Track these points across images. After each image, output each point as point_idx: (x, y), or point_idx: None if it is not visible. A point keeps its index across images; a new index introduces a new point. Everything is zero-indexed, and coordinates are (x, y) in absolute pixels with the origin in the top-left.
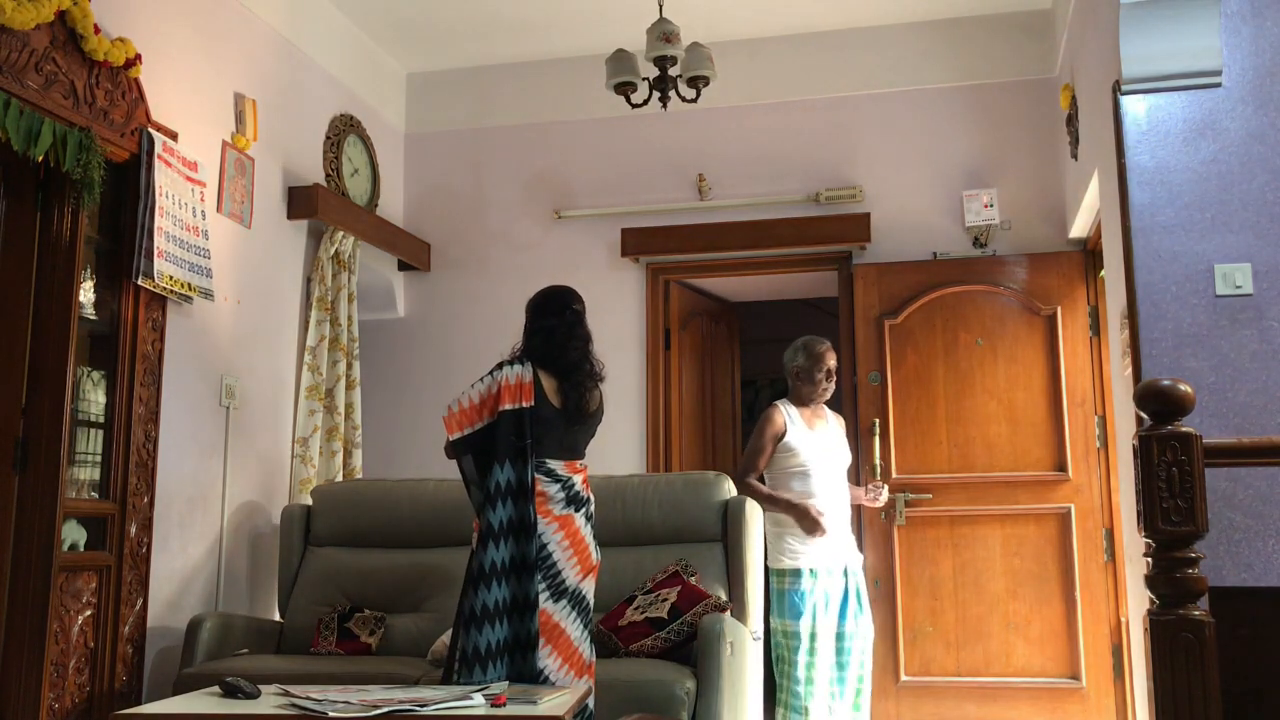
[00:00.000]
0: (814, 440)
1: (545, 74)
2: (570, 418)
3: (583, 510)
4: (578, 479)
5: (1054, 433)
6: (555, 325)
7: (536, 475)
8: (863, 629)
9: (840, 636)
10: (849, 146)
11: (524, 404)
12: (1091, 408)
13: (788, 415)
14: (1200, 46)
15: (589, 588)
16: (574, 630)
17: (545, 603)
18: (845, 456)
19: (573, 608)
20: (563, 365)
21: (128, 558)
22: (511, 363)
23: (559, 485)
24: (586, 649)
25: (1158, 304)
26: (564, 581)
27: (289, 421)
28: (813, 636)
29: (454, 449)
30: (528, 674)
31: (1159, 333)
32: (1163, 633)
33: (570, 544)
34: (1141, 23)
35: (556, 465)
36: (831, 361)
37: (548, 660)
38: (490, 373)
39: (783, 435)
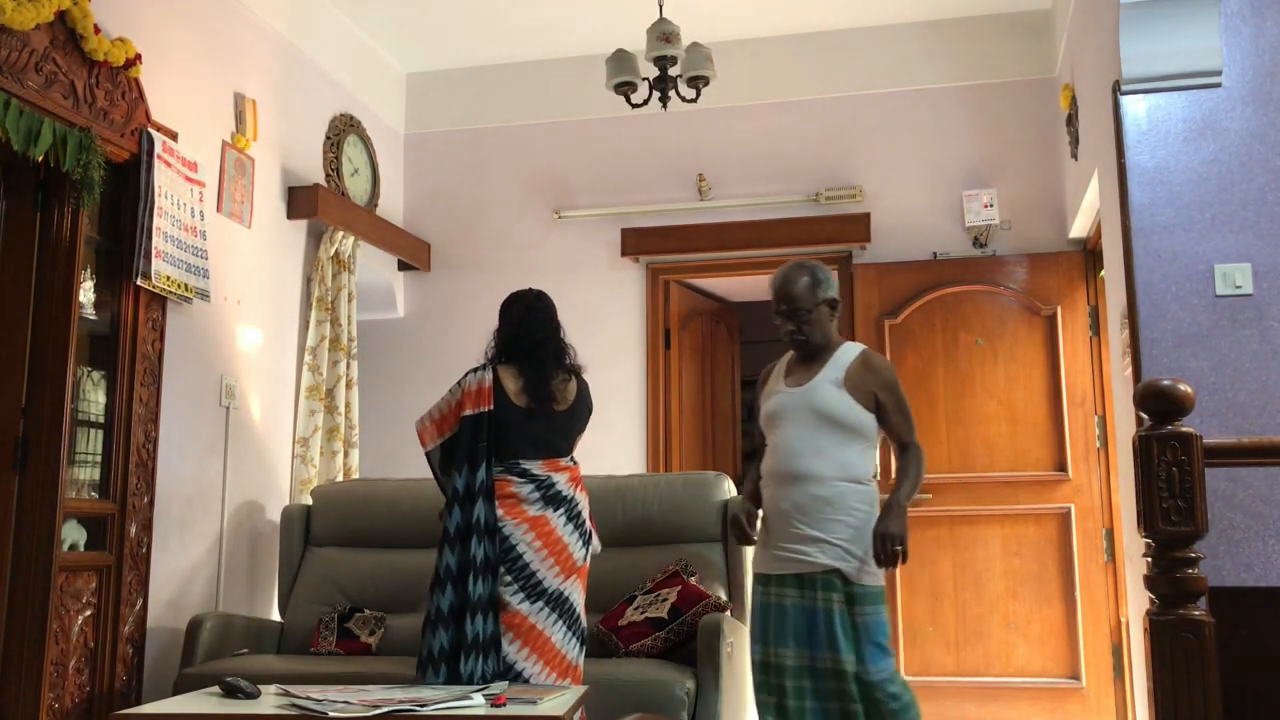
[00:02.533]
0: (779, 399)
1: (545, 74)
2: (536, 414)
3: (563, 510)
4: (560, 478)
5: (1054, 433)
6: (515, 314)
7: (507, 476)
8: (842, 668)
9: (800, 673)
10: (849, 146)
11: (483, 408)
12: (1091, 408)
13: (776, 368)
14: (1200, 46)
15: (573, 589)
16: (556, 633)
17: (520, 604)
18: (830, 418)
19: (553, 610)
20: (526, 348)
21: (128, 558)
22: (475, 370)
23: (533, 485)
24: (573, 652)
25: (1158, 304)
26: (540, 583)
27: (289, 421)
28: (764, 668)
29: (429, 461)
30: (468, 679)
31: (1159, 333)
32: (1163, 633)
33: (544, 544)
34: (1141, 23)
35: (531, 465)
36: (784, 301)
37: (526, 663)
38: (458, 382)
39: (759, 394)
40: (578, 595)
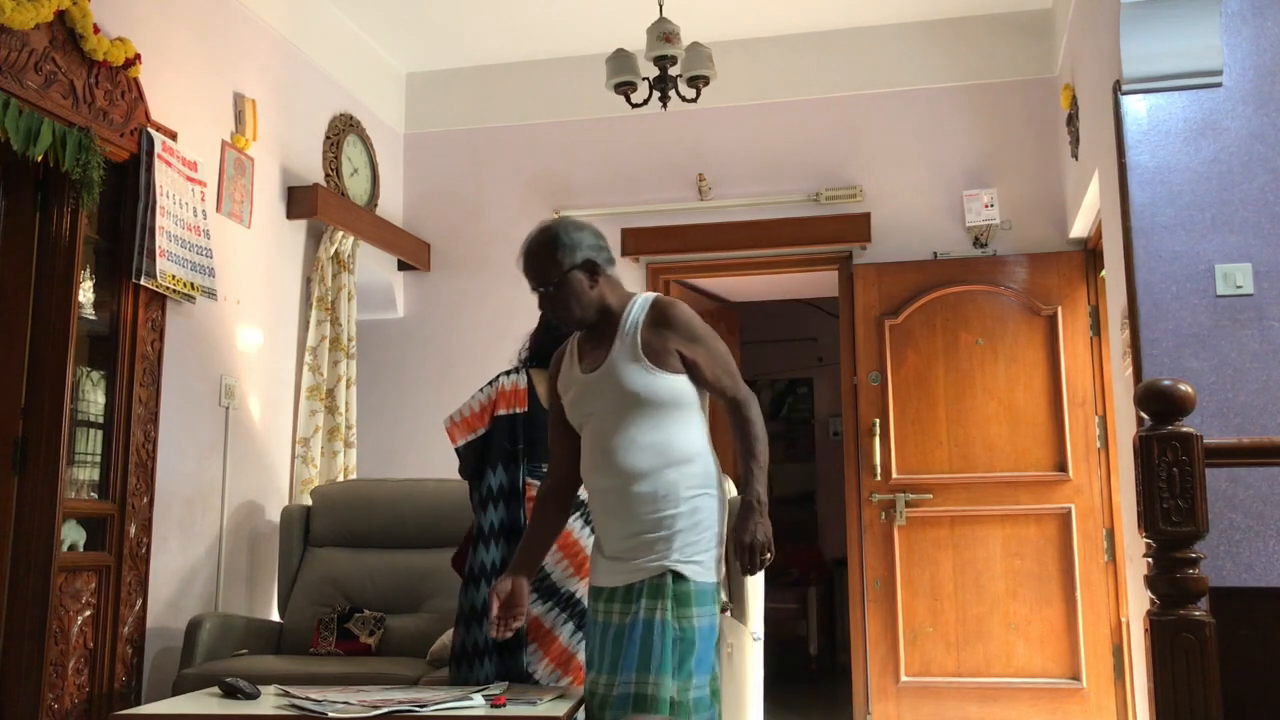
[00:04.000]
0: (579, 389)
1: (545, 74)
2: None
3: (580, 514)
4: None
5: (1054, 433)
6: (551, 329)
7: (530, 479)
8: (646, 692)
9: (607, 703)
10: (849, 146)
11: (517, 409)
12: (1092, 408)
13: (566, 351)
14: (1200, 46)
15: (582, 589)
16: (564, 633)
17: (532, 604)
18: (639, 397)
19: (562, 609)
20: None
21: (127, 558)
22: (509, 372)
23: None
24: (577, 647)
25: (1158, 304)
26: (552, 583)
27: (289, 421)
28: (591, 696)
29: (457, 456)
30: (517, 672)
31: (1159, 333)
32: (1163, 633)
33: (559, 546)
34: (1142, 22)
35: None
36: (528, 276)
37: (531, 658)
38: (490, 382)
39: (553, 386)
40: (584, 593)
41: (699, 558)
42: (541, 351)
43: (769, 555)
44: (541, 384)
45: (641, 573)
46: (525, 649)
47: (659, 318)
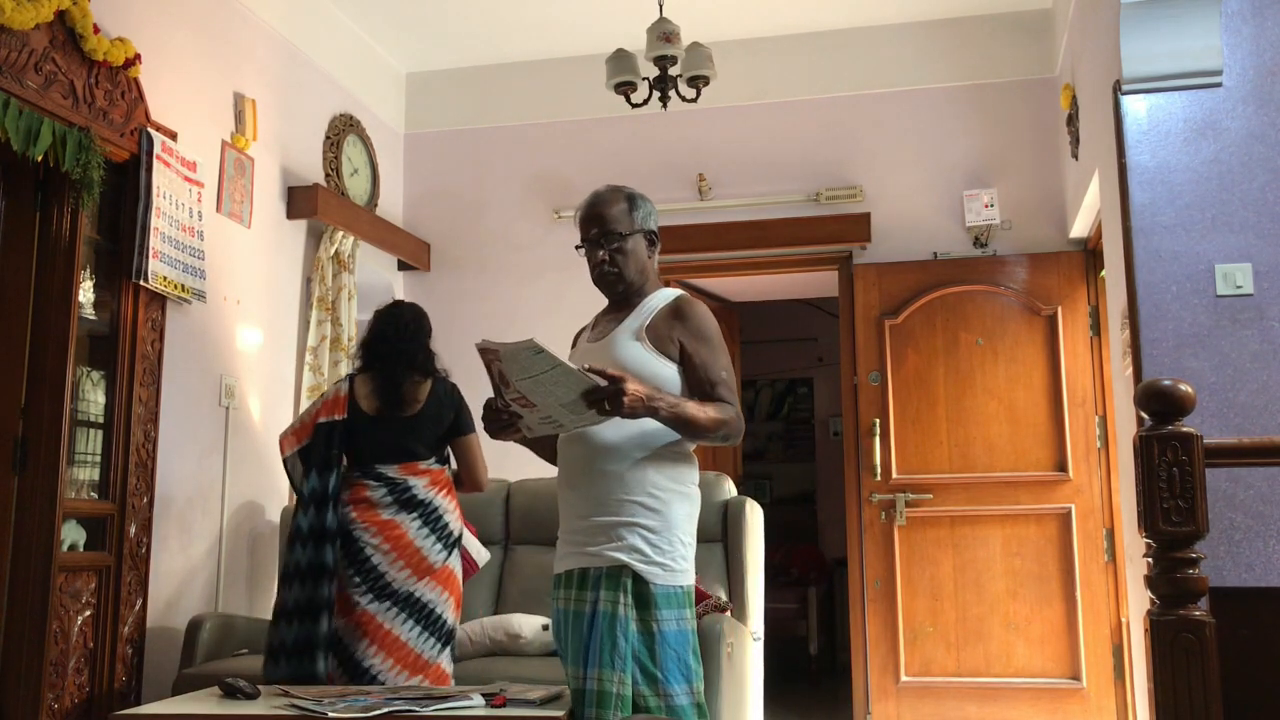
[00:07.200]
0: (576, 356)
1: (545, 74)
2: (387, 419)
3: (418, 513)
4: (418, 482)
5: (1054, 433)
6: (371, 323)
7: (364, 480)
8: (608, 689)
9: (577, 697)
10: (849, 146)
11: (336, 416)
12: (1092, 408)
13: (587, 325)
14: (1201, 46)
15: (426, 590)
16: (405, 631)
17: (368, 604)
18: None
19: (401, 609)
20: (381, 353)
21: (127, 558)
22: (339, 381)
23: (386, 489)
24: (428, 650)
25: (1158, 304)
26: (389, 585)
27: (288, 422)
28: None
29: (285, 469)
30: (313, 675)
31: (1159, 333)
32: (1163, 633)
33: (392, 547)
34: (1142, 22)
35: (388, 469)
36: (594, 223)
37: (374, 659)
38: (321, 394)
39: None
40: (435, 595)
41: (663, 560)
42: (365, 357)
43: (623, 397)
44: (362, 388)
45: (598, 559)
46: (364, 649)
47: (679, 310)
